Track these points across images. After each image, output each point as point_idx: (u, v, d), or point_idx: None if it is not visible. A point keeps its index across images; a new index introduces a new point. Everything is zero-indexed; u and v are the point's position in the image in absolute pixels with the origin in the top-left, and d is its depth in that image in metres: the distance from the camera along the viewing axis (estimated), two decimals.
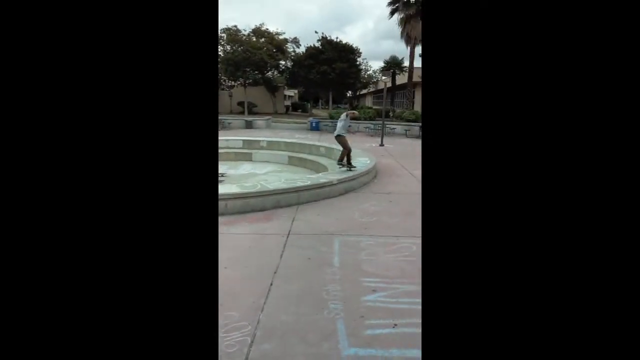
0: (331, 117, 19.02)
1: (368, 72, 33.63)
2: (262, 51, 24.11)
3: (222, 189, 5.10)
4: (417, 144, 13.24)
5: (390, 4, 22.12)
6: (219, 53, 23.78)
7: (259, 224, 4.59)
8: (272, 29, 27.05)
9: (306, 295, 2.90)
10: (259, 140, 11.63)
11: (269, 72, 27.15)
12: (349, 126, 8.43)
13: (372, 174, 7.39)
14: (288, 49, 27.01)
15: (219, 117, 17.45)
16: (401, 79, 26.12)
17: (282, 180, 6.12)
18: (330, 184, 5.95)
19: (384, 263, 3.54)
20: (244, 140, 11.63)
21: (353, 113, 7.98)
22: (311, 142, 11.26)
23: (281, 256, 3.64)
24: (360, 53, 27.18)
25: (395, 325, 2.54)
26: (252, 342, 2.31)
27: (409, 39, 21.38)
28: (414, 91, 23.59)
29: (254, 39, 25.21)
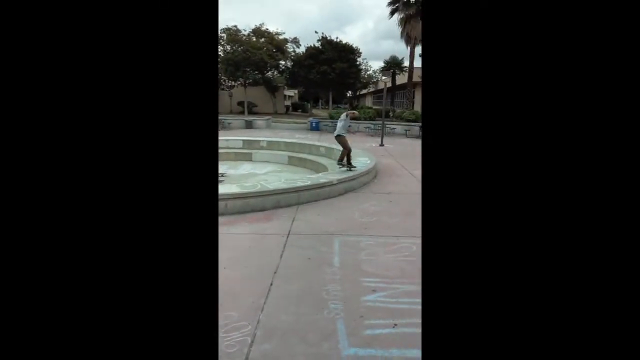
0: (331, 117, 19.02)
1: (368, 72, 33.66)
2: (262, 51, 24.11)
3: (222, 189, 5.10)
4: (417, 144, 13.24)
5: (390, 4, 22.13)
6: (219, 53, 23.77)
7: (259, 224, 4.59)
8: (272, 29, 27.10)
9: (306, 295, 2.90)
10: (259, 140, 11.63)
11: (269, 72, 27.16)
12: (349, 126, 8.44)
13: (372, 174, 7.39)
14: (288, 49, 27.01)
15: (219, 117, 17.44)
16: (401, 79, 26.12)
17: (282, 180, 6.12)
18: (330, 184, 5.95)
19: (384, 263, 3.54)
20: (244, 140, 11.62)
21: (353, 113, 7.98)
22: (311, 142, 11.25)
23: (281, 256, 3.64)
24: (360, 53, 27.22)
25: (395, 325, 2.54)
26: (252, 342, 2.31)
27: (409, 39, 21.39)
28: (414, 91, 23.59)
29: (254, 39, 25.21)
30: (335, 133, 7.24)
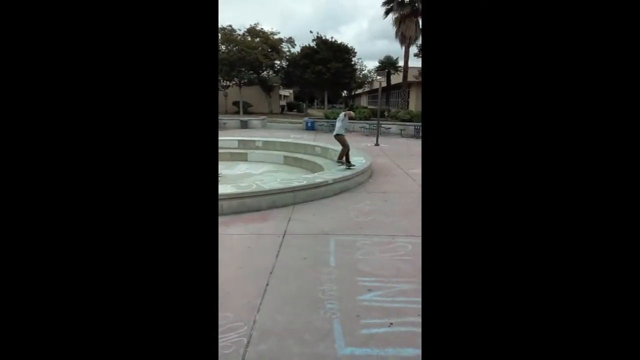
0: (327, 117, 19.04)
1: (363, 72, 33.64)
2: (257, 51, 24.02)
3: (218, 189, 5.08)
4: (412, 144, 13.31)
5: (384, 4, 22.21)
6: None
7: (254, 224, 4.58)
8: (267, 28, 27.11)
9: (302, 295, 2.90)
10: (255, 140, 11.59)
11: (264, 72, 27.07)
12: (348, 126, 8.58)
13: (368, 174, 7.41)
14: (283, 49, 26.94)
15: None
16: (396, 78, 26.20)
17: (277, 180, 6.10)
18: (325, 184, 5.95)
19: (379, 262, 3.54)
20: (239, 140, 11.59)
21: (350, 113, 8.28)
22: (307, 142, 11.24)
23: (277, 256, 3.63)
24: (355, 53, 27.23)
25: (391, 324, 2.54)
26: (248, 342, 2.30)
27: (403, 39, 21.48)
28: (408, 91, 23.68)
29: (249, 39, 25.10)
30: (335, 132, 7.62)
